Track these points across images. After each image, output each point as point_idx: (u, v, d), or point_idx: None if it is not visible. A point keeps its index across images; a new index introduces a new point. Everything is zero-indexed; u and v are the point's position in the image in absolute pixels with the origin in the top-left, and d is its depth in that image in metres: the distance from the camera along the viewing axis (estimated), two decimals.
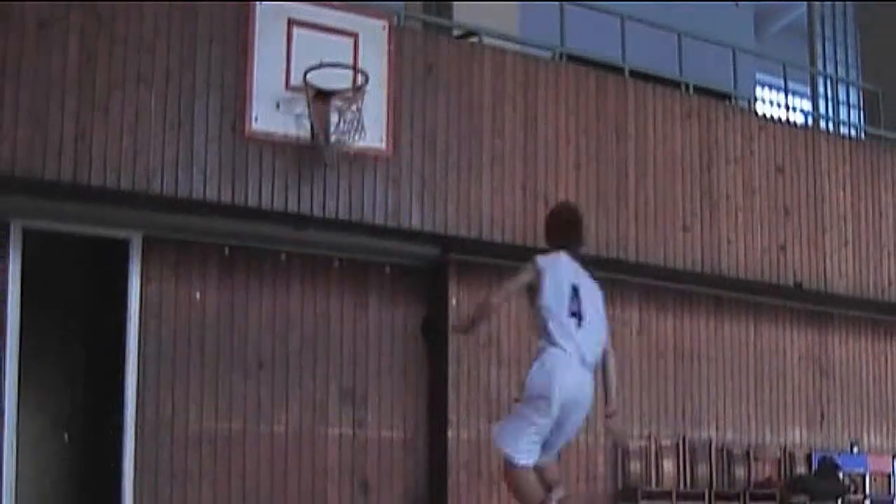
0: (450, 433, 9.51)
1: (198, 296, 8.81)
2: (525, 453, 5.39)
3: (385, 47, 8.97)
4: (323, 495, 9.11)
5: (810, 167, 11.50)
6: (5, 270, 8.10)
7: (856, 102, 14.41)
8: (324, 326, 9.16)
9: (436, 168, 9.23)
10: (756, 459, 11.28)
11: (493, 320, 9.81)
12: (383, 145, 8.85)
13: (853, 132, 13.55)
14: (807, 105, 14.82)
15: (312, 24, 8.60)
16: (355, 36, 8.73)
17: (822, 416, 11.90)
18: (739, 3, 16.85)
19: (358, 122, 8.34)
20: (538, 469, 5.52)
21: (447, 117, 9.34)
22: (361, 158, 8.80)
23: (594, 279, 5.67)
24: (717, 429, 11.13)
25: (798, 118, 13.20)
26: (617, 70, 10.68)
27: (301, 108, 8.44)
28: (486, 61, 9.64)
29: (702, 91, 11.30)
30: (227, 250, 8.96)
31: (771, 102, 17.48)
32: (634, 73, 10.76)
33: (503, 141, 9.61)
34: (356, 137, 8.40)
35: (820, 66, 14.39)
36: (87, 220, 8.46)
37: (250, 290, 9.02)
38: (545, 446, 5.49)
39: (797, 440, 11.67)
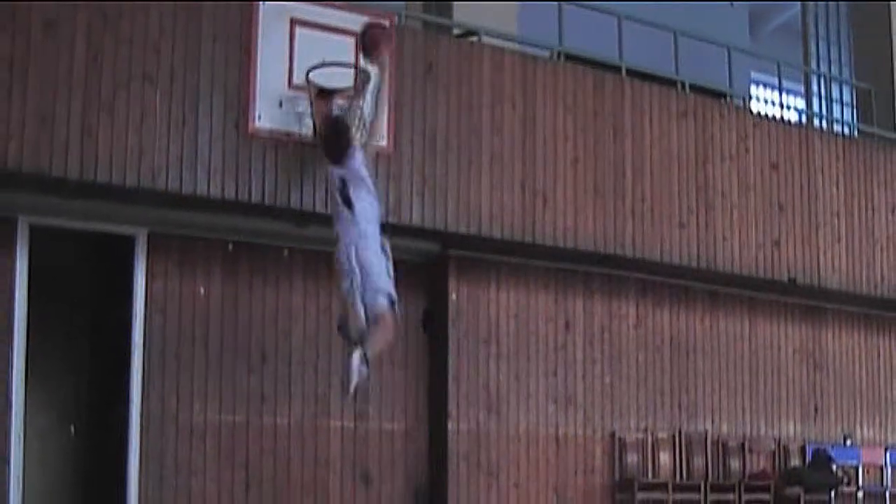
0: (450, 425, 9.61)
1: (202, 291, 8.87)
2: None
3: None
4: (325, 486, 9.18)
5: (804, 164, 11.57)
6: (13, 266, 8.16)
7: (849, 101, 14.43)
8: (326, 321, 9.19)
9: (436, 165, 9.29)
10: (751, 452, 11.37)
11: (492, 314, 9.97)
12: (384, 143, 8.92)
13: (846, 130, 13.60)
14: (801, 103, 14.94)
15: (315, 24, 8.64)
16: (357, 35, 8.81)
17: (816, 409, 12.00)
18: (735, 3, 16.96)
19: (360, 120, 8.42)
20: None
21: (447, 115, 9.39)
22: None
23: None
24: (712, 422, 11.22)
25: (792, 116, 13.29)
26: (614, 69, 10.74)
27: (303, 106, 8.52)
28: (486, 60, 9.69)
29: (698, 90, 11.36)
30: (230, 246, 9.01)
31: (766, 101, 17.55)
32: (631, 72, 10.84)
33: (502, 138, 9.68)
34: (360, 135, 8.48)
35: (814, 65, 14.43)
36: (93, 217, 8.52)
37: (254, 286, 9.08)
38: None
39: (791, 433, 11.78)
